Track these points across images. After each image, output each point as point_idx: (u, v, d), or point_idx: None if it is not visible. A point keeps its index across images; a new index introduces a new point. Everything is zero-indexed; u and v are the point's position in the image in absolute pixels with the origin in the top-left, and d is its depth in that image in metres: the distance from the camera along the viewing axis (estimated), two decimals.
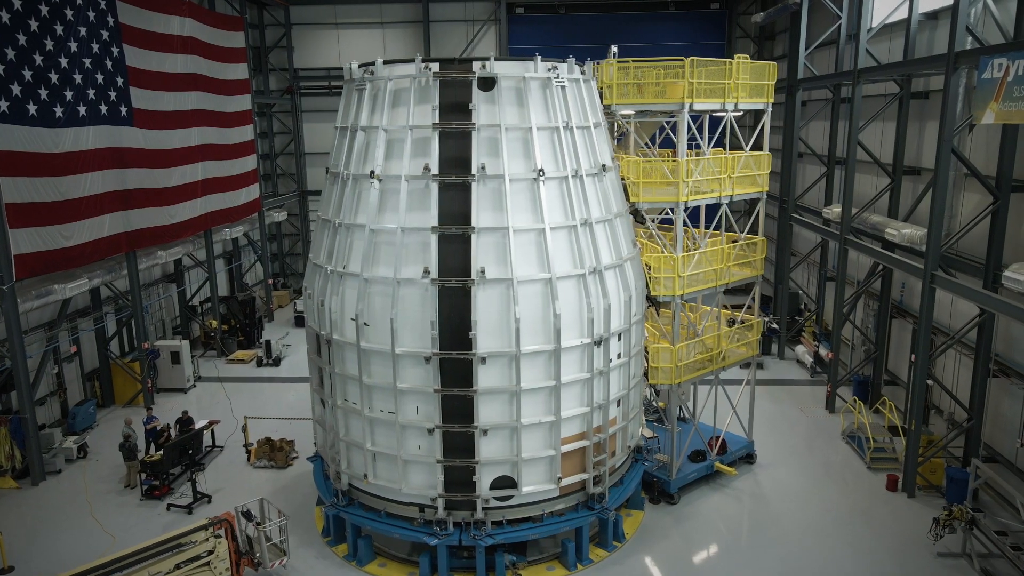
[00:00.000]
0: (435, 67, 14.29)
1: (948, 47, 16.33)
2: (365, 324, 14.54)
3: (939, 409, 20.15)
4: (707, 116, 18.44)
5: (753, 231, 19.18)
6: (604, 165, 15.53)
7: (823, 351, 26.57)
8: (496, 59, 14.23)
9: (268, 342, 28.97)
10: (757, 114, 29.96)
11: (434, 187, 14.15)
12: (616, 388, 15.72)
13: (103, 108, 22.37)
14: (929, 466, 18.50)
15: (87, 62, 21.60)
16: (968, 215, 18.48)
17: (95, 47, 22.00)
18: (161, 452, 18.91)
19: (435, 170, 14.15)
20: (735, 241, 18.70)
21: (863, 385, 23.83)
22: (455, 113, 14.24)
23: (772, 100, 18.37)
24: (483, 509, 14.78)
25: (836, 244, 27.61)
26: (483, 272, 13.96)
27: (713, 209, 18.58)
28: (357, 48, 38.14)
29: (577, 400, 15.01)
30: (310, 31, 38.25)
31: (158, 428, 20.74)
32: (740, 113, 18.23)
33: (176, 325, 30.44)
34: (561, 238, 14.52)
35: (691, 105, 16.46)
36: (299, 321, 34.00)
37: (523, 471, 14.74)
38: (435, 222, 14.07)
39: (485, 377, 14.22)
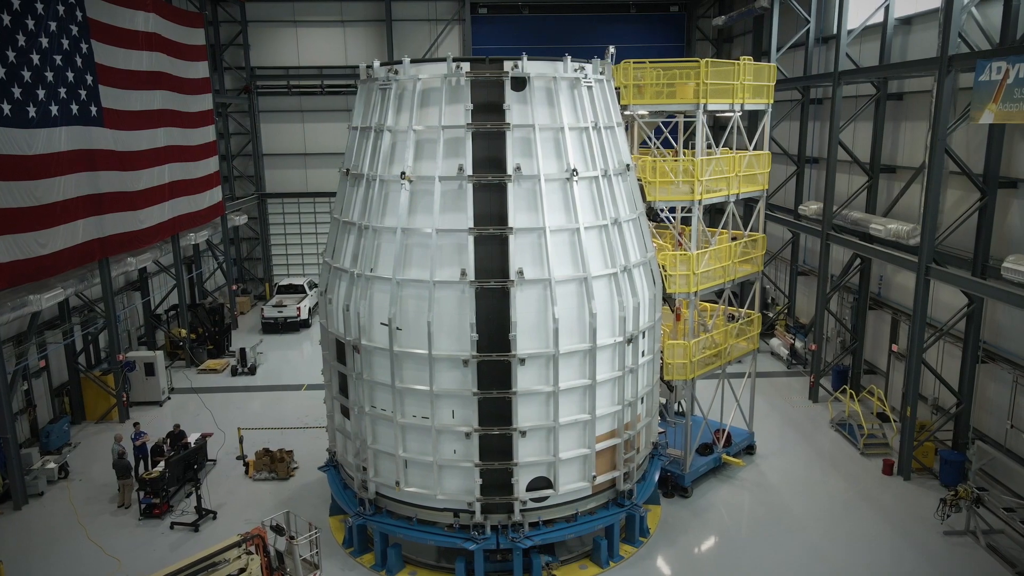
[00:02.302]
0: (466, 67, 14.12)
1: (941, 51, 17.16)
2: (398, 328, 14.24)
3: (923, 396, 21.14)
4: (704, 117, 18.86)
5: (741, 228, 19.69)
6: (628, 164, 15.69)
7: (799, 344, 27.53)
8: (529, 59, 14.15)
9: (243, 350, 27.99)
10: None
11: (468, 188, 13.98)
12: (643, 385, 15.91)
13: (74, 108, 21.18)
14: (921, 450, 19.39)
15: (58, 59, 20.41)
16: (949, 210, 19.49)
17: (65, 43, 20.80)
18: (160, 468, 18.04)
19: (469, 171, 13.98)
20: (734, 239, 19.18)
21: (842, 375, 24.82)
22: (488, 113, 14.10)
23: (772, 101, 18.93)
24: (520, 511, 14.69)
25: (806, 239, 28.82)
26: (521, 273, 13.89)
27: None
28: (317, 47, 37.32)
29: (609, 398, 15.10)
30: (267, 29, 37.13)
31: (148, 444, 19.83)
32: (740, 113, 18.70)
33: (141, 335, 29.04)
34: (593, 237, 14.58)
35: (706, 106, 16.78)
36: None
37: (560, 471, 14.73)
38: (471, 223, 13.89)
39: (524, 378, 14.14)
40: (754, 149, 19.04)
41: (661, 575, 15.67)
